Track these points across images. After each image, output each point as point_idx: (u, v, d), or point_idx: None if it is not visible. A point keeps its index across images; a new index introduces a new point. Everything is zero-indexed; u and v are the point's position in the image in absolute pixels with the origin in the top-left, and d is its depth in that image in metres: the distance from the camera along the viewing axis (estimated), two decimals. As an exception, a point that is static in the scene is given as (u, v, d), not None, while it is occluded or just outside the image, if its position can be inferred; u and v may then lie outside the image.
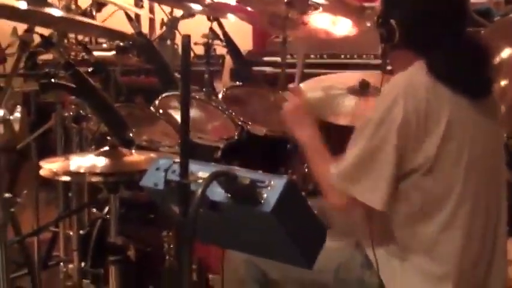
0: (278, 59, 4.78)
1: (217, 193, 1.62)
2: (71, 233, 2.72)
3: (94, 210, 2.87)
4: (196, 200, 1.49)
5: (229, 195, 1.61)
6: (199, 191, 1.50)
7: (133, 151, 2.40)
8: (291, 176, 3.05)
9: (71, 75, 2.15)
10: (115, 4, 2.78)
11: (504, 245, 2.10)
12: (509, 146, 2.85)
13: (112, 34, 2.28)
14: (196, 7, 3.06)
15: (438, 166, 1.93)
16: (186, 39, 1.56)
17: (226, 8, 3.14)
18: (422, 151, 1.92)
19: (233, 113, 3.02)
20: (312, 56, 4.88)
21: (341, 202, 2.01)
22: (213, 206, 1.62)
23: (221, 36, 3.69)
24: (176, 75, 3.19)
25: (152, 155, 2.38)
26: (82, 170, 2.21)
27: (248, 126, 2.96)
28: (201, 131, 2.94)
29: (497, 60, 3.07)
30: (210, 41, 3.78)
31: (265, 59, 5.09)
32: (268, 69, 5.01)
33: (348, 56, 4.82)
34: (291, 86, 2.40)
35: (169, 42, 3.94)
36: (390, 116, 1.91)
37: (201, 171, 1.69)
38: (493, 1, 4.75)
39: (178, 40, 4.83)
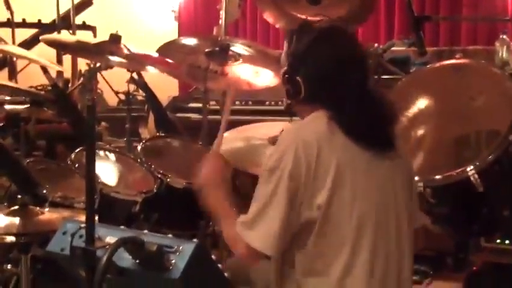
0: (201, 104, 4.80)
1: (125, 259, 1.59)
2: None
3: (9, 266, 2.77)
4: (101, 268, 1.46)
5: (137, 262, 1.58)
6: (104, 258, 1.47)
7: (46, 209, 2.34)
8: (212, 229, 3.03)
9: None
10: (31, 60, 2.72)
11: None
12: (425, 195, 2.90)
13: (23, 93, 2.23)
14: (114, 59, 3.03)
15: (330, 216, 1.95)
16: (91, 105, 1.54)
17: (145, 60, 3.12)
18: (314, 200, 1.95)
19: (152, 166, 2.98)
20: (237, 102, 4.89)
21: (245, 252, 2.00)
22: (120, 272, 1.59)
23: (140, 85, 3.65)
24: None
25: (65, 213, 2.33)
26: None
27: (168, 179, 2.93)
28: (120, 184, 2.88)
29: (414, 109, 3.13)
30: (131, 90, 3.76)
31: (190, 105, 5.08)
32: (192, 115, 4.99)
33: (272, 103, 4.83)
34: (211, 151, 2.41)
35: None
36: (281, 164, 1.95)
37: (109, 236, 1.67)
38: (412, 50, 4.87)
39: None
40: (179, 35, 6.34)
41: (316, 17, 3.18)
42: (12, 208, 2.25)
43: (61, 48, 3.32)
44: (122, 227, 1.75)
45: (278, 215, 1.94)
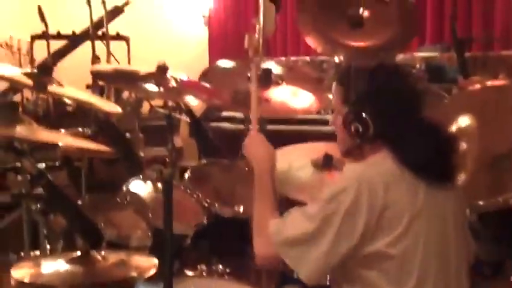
0: (236, 114, 4.81)
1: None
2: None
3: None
4: None
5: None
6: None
7: (103, 251, 2.38)
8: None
9: (43, 185, 2.13)
10: (85, 103, 2.75)
11: None
12: (470, 220, 2.91)
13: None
14: (154, 89, 3.04)
15: (396, 257, 1.99)
16: (168, 181, 1.58)
17: (186, 89, 3.13)
18: (375, 242, 1.98)
19: (200, 195, 3.02)
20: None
21: (268, 253, 2.09)
22: None
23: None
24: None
25: (123, 255, 2.38)
26: (51, 282, 2.19)
27: (215, 209, 2.97)
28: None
29: (454, 127, 3.14)
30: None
31: (224, 114, 5.10)
32: (226, 124, 5.02)
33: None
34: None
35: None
36: (339, 198, 1.98)
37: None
38: (445, 56, 4.85)
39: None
40: (210, 40, 6.37)
41: (359, 43, 3.21)
42: (74, 255, 2.30)
43: (104, 79, 3.33)
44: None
45: (324, 247, 1.99)
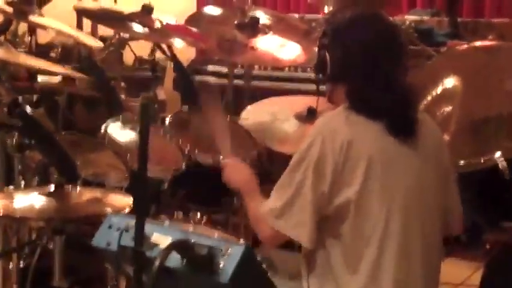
0: (222, 68, 4.76)
1: (174, 259, 1.59)
2: (10, 266, 2.63)
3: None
4: (152, 273, 1.47)
5: (186, 263, 1.59)
6: (156, 263, 1.48)
7: (78, 188, 2.34)
8: (239, 204, 3.04)
9: (18, 114, 2.08)
10: (70, 36, 2.68)
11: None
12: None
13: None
14: (140, 30, 2.98)
15: (361, 205, 1.98)
16: (146, 103, 1.53)
17: (172, 32, 3.08)
18: (342, 192, 1.98)
19: (180, 141, 2.97)
20: (256, 67, 4.83)
21: (269, 234, 2.09)
22: (168, 272, 1.60)
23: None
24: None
25: (98, 193, 2.34)
26: (25, 214, 2.15)
27: (195, 155, 2.93)
28: (149, 161, 2.88)
29: (441, 88, 3.12)
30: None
31: (209, 68, 5.02)
32: (212, 79, 4.95)
33: (292, 69, 4.78)
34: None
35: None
36: (307, 154, 2.00)
37: (155, 234, 1.67)
38: (435, 20, 4.81)
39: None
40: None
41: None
42: (48, 189, 2.25)
43: (89, 16, 3.26)
44: (167, 222, 1.76)
45: (307, 206, 1.99)
